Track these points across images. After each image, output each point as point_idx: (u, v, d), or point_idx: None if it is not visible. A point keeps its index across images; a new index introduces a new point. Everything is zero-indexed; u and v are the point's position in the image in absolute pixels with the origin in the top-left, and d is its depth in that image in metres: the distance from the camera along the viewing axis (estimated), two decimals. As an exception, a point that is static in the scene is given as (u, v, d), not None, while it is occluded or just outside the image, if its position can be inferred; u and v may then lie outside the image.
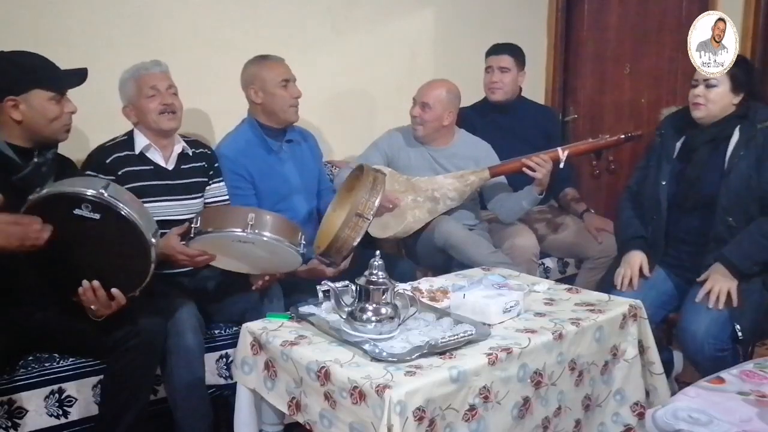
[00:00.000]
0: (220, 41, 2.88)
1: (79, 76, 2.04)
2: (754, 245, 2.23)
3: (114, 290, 1.85)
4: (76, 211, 1.76)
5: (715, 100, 2.29)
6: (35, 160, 1.96)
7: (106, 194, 1.75)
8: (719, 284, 2.21)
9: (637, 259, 2.42)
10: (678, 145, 2.44)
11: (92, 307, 1.85)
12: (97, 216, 1.76)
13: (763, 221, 2.24)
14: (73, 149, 2.51)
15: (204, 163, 2.43)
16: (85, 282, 1.83)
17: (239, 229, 2.00)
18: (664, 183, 2.41)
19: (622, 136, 2.88)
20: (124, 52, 2.63)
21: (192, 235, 2.04)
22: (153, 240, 1.82)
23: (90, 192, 1.75)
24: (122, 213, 1.76)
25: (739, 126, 2.30)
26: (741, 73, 2.29)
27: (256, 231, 2.00)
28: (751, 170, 2.25)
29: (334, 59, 3.23)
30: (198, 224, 2.04)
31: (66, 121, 2.01)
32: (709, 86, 2.29)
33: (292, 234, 2.07)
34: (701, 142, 2.36)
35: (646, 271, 2.41)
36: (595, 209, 3.30)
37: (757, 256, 2.23)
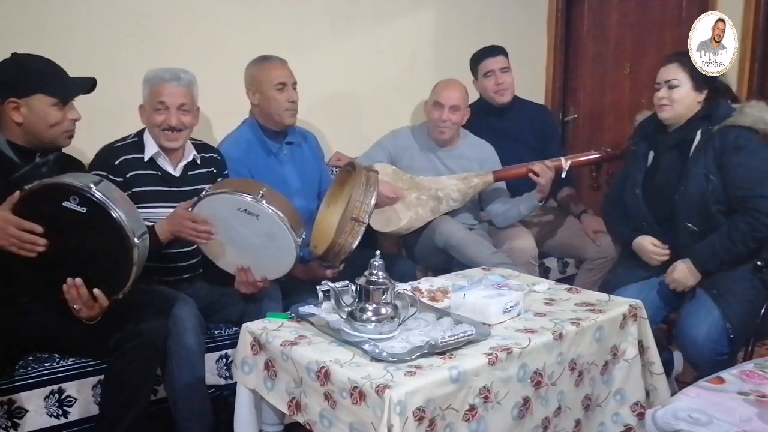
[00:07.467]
0: (220, 41, 2.87)
1: (85, 85, 2.02)
2: (724, 248, 2.24)
3: (96, 290, 1.81)
4: (65, 203, 1.74)
5: (679, 100, 2.32)
6: (36, 160, 1.96)
7: (94, 188, 1.74)
8: (682, 282, 2.32)
9: (646, 242, 2.44)
10: (651, 152, 2.45)
11: (75, 306, 1.81)
12: (83, 210, 1.74)
13: (739, 222, 2.22)
14: (73, 149, 2.51)
15: (213, 168, 2.39)
16: (69, 279, 1.80)
17: (250, 196, 1.99)
18: (637, 191, 2.44)
19: (624, 150, 2.89)
20: (123, 52, 2.63)
21: (202, 196, 2.04)
22: (137, 241, 1.77)
23: (79, 184, 1.74)
24: (107, 209, 1.73)
25: (701, 129, 2.31)
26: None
27: (265, 202, 1.99)
28: (710, 173, 2.25)
29: (334, 59, 3.23)
30: (209, 190, 2.04)
31: (67, 127, 2.01)
32: (671, 87, 2.32)
33: (296, 222, 2.07)
34: (667, 148, 2.38)
35: (659, 244, 2.42)
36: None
37: (725, 256, 2.25)
